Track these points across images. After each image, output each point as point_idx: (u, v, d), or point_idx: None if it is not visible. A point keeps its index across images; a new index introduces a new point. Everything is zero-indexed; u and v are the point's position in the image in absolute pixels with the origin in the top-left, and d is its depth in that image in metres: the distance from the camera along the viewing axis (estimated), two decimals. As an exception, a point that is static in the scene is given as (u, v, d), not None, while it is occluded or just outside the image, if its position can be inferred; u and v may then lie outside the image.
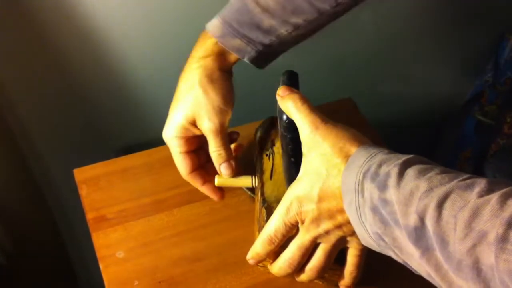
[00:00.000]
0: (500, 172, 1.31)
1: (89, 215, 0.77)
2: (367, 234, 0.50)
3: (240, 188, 0.79)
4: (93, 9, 0.86)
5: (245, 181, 0.76)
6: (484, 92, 1.33)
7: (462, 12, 1.20)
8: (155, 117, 1.02)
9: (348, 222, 0.53)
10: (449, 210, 0.42)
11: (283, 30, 0.67)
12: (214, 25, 0.68)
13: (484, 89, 1.32)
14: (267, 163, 0.72)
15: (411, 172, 0.47)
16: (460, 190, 0.43)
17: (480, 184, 0.43)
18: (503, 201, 0.40)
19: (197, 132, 0.70)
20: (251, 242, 0.61)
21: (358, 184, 0.50)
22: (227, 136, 0.70)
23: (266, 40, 0.68)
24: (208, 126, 0.68)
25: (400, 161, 0.48)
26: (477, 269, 0.40)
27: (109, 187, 0.81)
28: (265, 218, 0.62)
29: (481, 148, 1.38)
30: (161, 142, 0.88)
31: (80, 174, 0.82)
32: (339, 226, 0.54)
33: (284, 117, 0.58)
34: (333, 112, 0.92)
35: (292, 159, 0.60)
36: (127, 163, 0.84)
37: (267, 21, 0.67)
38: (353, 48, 1.15)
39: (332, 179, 0.53)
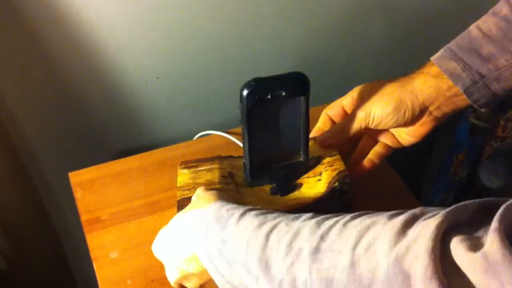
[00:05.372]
0: (494, 174, 1.32)
1: (83, 217, 0.79)
2: (225, 280, 0.53)
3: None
4: (88, 18, 0.88)
5: None
6: (478, 95, 1.34)
7: (457, 22, 1.21)
8: (150, 122, 1.04)
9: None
10: (274, 237, 0.47)
11: (503, 60, 0.64)
12: (437, 53, 0.70)
13: (477, 92, 1.33)
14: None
15: (252, 213, 0.52)
16: (287, 220, 0.49)
17: (307, 215, 0.49)
18: (320, 222, 0.45)
19: None
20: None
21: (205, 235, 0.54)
22: None
23: (484, 69, 0.65)
24: None
25: (243, 209, 0.54)
26: (294, 287, 0.44)
27: (103, 190, 0.82)
28: None
29: (475, 151, 1.38)
30: (156, 146, 0.90)
31: (75, 177, 0.84)
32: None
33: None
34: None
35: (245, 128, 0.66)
36: (121, 166, 0.86)
37: (487, 47, 0.65)
38: (347, 54, 1.17)
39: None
